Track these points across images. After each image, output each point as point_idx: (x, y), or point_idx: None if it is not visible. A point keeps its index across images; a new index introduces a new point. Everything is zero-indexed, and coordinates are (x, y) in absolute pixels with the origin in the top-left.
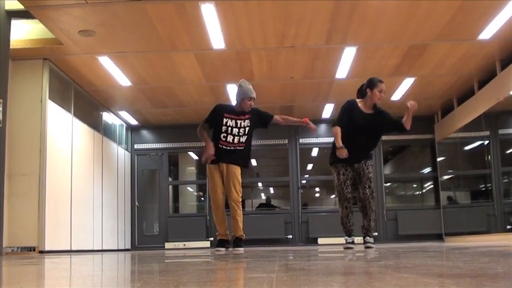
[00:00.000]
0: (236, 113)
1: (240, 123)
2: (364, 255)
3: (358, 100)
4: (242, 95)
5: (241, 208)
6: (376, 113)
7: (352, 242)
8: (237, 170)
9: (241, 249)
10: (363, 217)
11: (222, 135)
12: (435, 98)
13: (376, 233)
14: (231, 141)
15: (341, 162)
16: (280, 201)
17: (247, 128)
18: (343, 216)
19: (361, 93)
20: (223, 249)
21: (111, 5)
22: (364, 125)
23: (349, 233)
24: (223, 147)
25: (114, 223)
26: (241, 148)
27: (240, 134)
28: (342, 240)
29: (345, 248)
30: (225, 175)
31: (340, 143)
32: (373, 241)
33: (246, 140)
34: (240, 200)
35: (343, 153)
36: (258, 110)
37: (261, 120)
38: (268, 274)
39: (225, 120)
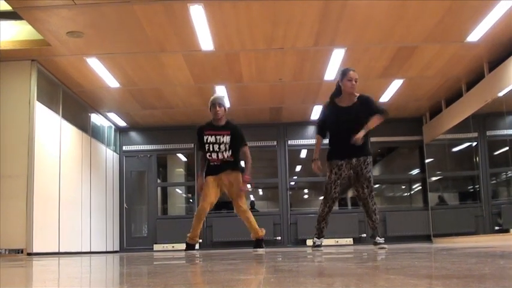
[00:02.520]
0: (214, 127)
1: (219, 138)
2: (353, 257)
3: (336, 99)
4: (209, 104)
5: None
6: (359, 103)
7: (321, 245)
8: (239, 177)
9: (262, 249)
10: (366, 217)
11: (207, 155)
12: (423, 99)
13: (364, 234)
14: (215, 157)
15: (338, 159)
16: (269, 202)
17: (227, 145)
18: (322, 214)
19: (337, 90)
20: (195, 251)
21: (100, 6)
22: (345, 119)
23: (319, 234)
24: (214, 163)
25: (103, 225)
26: (229, 160)
27: (221, 149)
28: (330, 241)
29: (313, 250)
30: (228, 184)
31: (316, 155)
32: (383, 241)
33: (232, 154)
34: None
35: (316, 167)
36: (237, 129)
37: (238, 139)
38: (256, 276)
39: (205, 137)
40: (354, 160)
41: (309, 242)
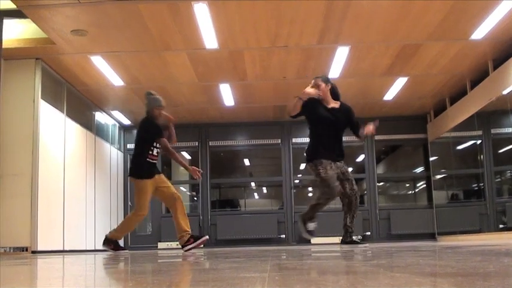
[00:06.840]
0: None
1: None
2: (359, 254)
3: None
4: (153, 104)
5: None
6: (340, 108)
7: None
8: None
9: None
10: (347, 214)
11: (155, 150)
12: (428, 97)
13: (368, 232)
14: (156, 154)
15: (327, 159)
16: (273, 200)
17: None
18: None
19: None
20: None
21: (104, 5)
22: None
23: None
24: (152, 161)
25: (107, 223)
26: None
27: (158, 146)
28: (335, 239)
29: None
30: (163, 184)
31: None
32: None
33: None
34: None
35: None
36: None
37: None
38: (260, 274)
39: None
40: (338, 163)
41: (312, 240)
